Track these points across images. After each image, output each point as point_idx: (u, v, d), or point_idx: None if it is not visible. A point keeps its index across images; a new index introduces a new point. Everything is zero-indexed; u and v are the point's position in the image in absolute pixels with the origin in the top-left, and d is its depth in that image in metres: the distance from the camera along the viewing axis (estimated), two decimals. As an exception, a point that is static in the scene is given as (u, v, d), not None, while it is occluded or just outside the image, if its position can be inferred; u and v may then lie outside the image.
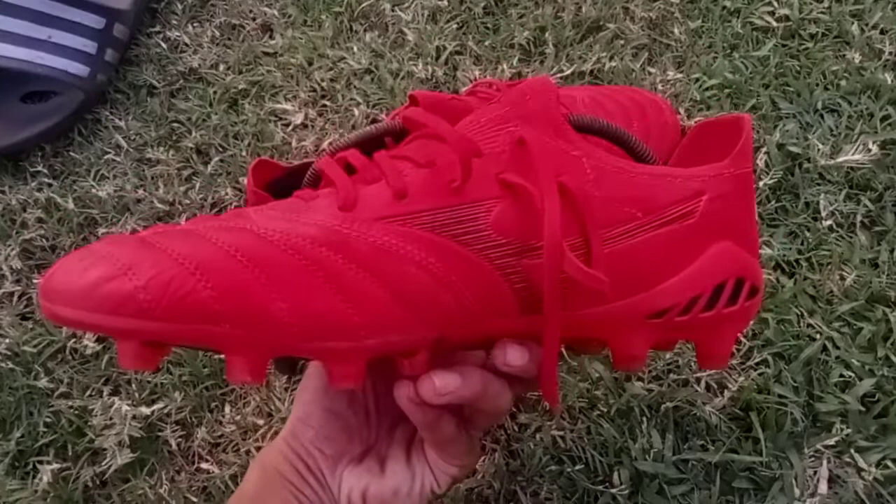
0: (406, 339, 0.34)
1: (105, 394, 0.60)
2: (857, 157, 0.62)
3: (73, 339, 0.62)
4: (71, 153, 0.76)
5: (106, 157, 0.75)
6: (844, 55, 0.71)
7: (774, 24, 0.74)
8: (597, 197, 0.34)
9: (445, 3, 0.80)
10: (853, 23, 0.73)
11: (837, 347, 0.54)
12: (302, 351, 0.33)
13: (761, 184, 0.63)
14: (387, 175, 0.34)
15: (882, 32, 0.72)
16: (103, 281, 0.30)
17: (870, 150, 0.62)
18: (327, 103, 0.76)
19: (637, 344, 0.37)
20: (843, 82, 0.69)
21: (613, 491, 0.50)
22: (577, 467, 0.52)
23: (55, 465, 0.56)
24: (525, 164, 0.34)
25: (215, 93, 0.78)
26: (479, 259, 0.34)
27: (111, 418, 0.58)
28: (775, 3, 0.76)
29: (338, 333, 0.32)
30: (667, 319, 0.37)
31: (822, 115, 0.67)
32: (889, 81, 0.68)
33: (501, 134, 0.35)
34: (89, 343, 0.62)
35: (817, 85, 0.69)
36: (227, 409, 0.58)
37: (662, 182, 0.36)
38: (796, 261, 0.59)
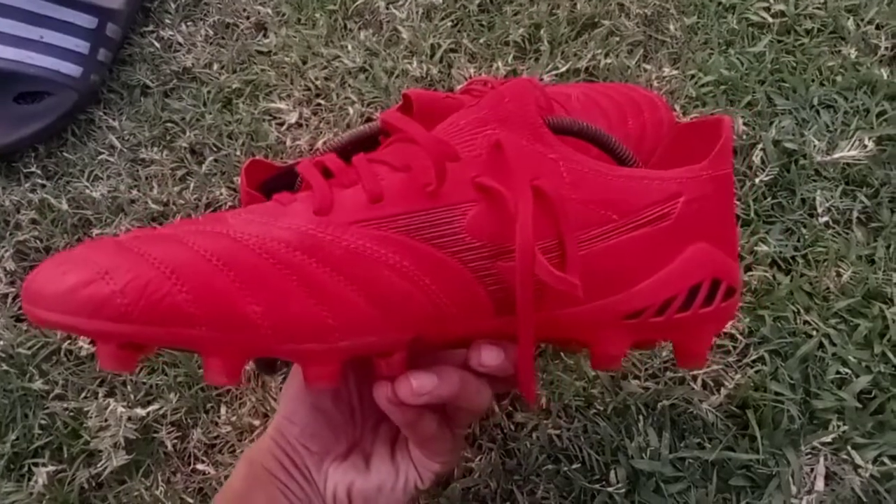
0: (381, 340, 0.34)
1: (100, 395, 0.60)
2: (853, 153, 0.62)
3: (68, 341, 0.62)
4: (64, 154, 0.76)
5: (100, 157, 0.75)
6: (840, 51, 0.71)
7: (770, 19, 0.74)
8: (573, 200, 0.34)
9: (440, 0, 0.80)
10: (849, 18, 0.72)
11: (834, 344, 0.54)
12: (277, 352, 0.33)
13: (757, 180, 0.62)
14: (363, 179, 0.34)
15: (878, 28, 0.72)
16: (81, 285, 0.30)
17: (866, 147, 0.62)
18: (322, 102, 0.76)
19: (614, 344, 0.37)
20: (838, 78, 0.68)
21: (610, 489, 0.50)
22: (574, 466, 0.52)
23: (51, 468, 0.56)
24: (501, 167, 0.34)
25: (209, 92, 0.78)
26: (453, 262, 0.34)
27: (106, 420, 0.58)
28: (771, -1, 0.75)
29: (312, 336, 0.32)
30: (642, 320, 0.37)
31: (817, 112, 0.67)
32: (885, 77, 0.67)
33: (479, 137, 0.35)
34: (84, 345, 0.62)
35: (813, 81, 0.69)
36: (223, 409, 0.58)
37: (639, 184, 0.36)
38: (792, 257, 0.59)
